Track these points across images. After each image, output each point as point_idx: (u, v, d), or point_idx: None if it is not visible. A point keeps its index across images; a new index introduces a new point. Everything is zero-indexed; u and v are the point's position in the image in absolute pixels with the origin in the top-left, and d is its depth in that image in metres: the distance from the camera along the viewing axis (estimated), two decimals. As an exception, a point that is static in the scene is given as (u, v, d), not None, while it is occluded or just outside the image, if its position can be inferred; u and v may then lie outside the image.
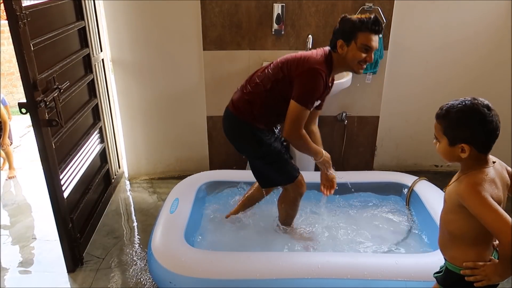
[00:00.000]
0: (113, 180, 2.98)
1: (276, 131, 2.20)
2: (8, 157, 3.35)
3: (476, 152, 1.30)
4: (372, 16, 1.84)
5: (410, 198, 2.58)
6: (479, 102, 1.27)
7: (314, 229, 2.39)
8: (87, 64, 2.62)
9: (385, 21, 2.71)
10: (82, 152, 2.47)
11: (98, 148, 2.74)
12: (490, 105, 1.28)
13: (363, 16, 1.85)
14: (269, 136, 2.08)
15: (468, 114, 1.27)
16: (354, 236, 2.36)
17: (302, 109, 1.88)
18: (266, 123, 2.08)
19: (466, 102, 1.28)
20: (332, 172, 2.14)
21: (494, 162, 1.35)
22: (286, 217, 2.32)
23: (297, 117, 1.90)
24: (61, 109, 2.03)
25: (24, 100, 1.87)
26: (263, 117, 2.04)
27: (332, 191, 2.17)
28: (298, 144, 2.01)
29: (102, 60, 2.82)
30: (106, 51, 2.88)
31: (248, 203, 2.43)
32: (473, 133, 1.28)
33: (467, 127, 1.28)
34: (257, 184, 2.35)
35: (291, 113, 1.90)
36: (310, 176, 2.80)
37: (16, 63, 1.83)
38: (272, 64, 2.02)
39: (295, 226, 2.38)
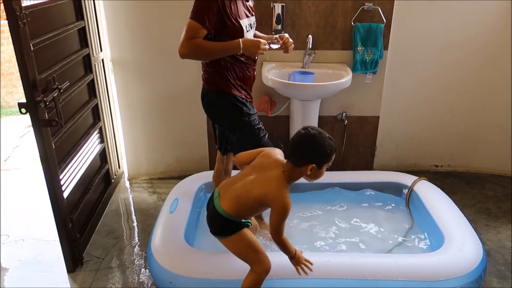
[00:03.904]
0: (113, 180, 2.98)
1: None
2: None
3: None
4: None
5: (410, 198, 2.58)
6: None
7: (312, 229, 2.39)
8: (87, 64, 2.62)
9: (385, 21, 2.71)
10: (82, 152, 2.47)
11: (98, 148, 2.74)
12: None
13: None
14: (248, 108, 2.11)
15: None
16: (354, 236, 2.36)
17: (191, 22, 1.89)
18: (238, 83, 2.08)
19: None
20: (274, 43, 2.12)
21: None
22: None
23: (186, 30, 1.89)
24: (61, 109, 2.03)
25: (23, 100, 1.86)
26: (231, 73, 2.05)
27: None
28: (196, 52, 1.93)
29: (102, 60, 2.82)
30: (106, 51, 2.88)
31: None
32: None
33: None
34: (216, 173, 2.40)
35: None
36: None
37: (16, 63, 1.82)
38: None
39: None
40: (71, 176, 2.29)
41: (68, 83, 2.22)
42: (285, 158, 1.71)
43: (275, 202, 1.65)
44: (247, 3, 2.08)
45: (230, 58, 2.02)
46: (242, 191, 1.73)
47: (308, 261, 1.80)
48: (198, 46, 1.91)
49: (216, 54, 1.98)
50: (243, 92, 2.12)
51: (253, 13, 2.14)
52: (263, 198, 1.68)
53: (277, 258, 1.94)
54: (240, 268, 1.90)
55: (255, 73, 2.22)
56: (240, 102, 2.09)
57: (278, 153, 1.78)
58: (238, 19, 1.97)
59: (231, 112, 2.09)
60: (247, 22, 2.05)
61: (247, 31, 2.04)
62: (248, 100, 2.15)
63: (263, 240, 2.24)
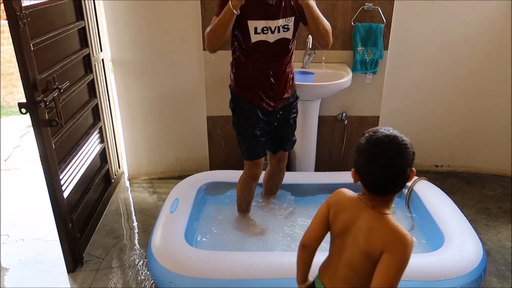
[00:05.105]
0: (113, 180, 2.98)
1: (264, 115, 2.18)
2: None
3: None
4: None
5: (410, 198, 2.58)
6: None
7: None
8: (87, 64, 2.62)
9: (385, 21, 2.71)
10: (82, 152, 2.47)
11: (98, 148, 2.74)
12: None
13: None
14: (248, 110, 2.13)
15: None
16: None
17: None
18: (250, 88, 2.11)
19: None
20: None
21: None
22: (238, 199, 2.43)
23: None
24: (61, 109, 2.03)
25: (24, 100, 1.86)
26: (240, 70, 2.11)
27: None
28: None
29: (102, 60, 2.82)
30: (106, 51, 2.88)
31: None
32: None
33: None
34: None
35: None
36: (310, 177, 2.81)
37: (16, 63, 1.83)
38: None
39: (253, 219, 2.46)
40: (71, 176, 2.29)
41: (68, 83, 2.22)
42: (376, 193, 1.32)
43: (388, 246, 1.17)
44: (278, 4, 1.93)
45: (244, 59, 2.05)
46: (345, 268, 1.29)
47: None
48: (209, 29, 1.95)
49: (220, 25, 1.89)
50: (256, 99, 2.11)
51: (286, 15, 1.96)
52: (369, 251, 1.21)
53: (277, 259, 1.94)
54: (240, 268, 1.91)
55: (287, 78, 2.17)
56: (237, 103, 2.16)
57: (345, 193, 1.36)
58: (245, 18, 1.91)
59: (233, 109, 2.21)
60: (263, 25, 1.94)
61: (257, 33, 1.95)
62: (263, 106, 2.13)
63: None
